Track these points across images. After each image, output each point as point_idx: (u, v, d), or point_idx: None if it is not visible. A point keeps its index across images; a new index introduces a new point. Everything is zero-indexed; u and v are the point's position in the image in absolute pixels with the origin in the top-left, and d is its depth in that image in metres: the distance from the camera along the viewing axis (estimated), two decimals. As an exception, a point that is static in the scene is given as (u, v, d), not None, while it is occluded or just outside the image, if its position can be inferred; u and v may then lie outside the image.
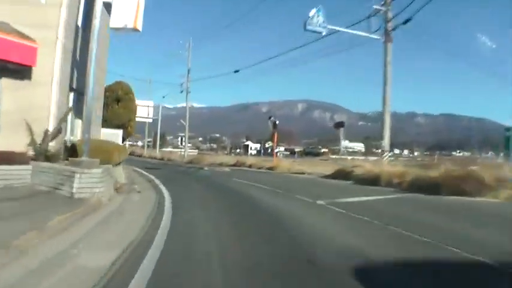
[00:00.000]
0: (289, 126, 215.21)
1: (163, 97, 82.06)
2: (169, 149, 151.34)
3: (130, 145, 75.04)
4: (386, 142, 22.05)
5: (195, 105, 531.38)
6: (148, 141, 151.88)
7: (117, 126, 27.44)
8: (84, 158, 9.23)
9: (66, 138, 12.88)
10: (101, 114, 18.44)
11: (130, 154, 71.06)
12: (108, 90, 26.88)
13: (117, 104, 33.91)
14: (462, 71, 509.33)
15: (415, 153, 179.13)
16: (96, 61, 10.50)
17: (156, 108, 61.74)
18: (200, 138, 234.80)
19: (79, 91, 13.28)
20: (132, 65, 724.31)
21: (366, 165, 19.69)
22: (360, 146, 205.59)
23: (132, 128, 33.93)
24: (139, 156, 64.51)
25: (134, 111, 38.89)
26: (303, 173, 24.61)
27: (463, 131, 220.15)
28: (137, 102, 51.92)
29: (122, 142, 35.66)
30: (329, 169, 23.49)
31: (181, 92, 53.04)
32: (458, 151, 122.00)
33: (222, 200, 11.15)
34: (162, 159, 51.75)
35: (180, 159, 47.20)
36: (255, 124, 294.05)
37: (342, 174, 20.12)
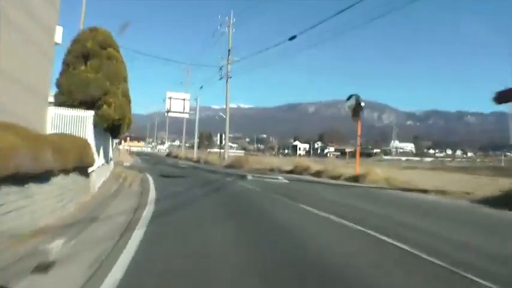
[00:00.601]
0: (336, 127, 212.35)
1: (201, 87, 68.19)
2: (215, 149, 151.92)
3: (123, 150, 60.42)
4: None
5: (242, 105, 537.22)
6: (192, 142, 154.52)
7: (84, 105, 11.91)
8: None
9: None
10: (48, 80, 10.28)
11: (167, 156, 70.51)
12: (75, 43, 11.11)
13: (85, 64, 14.42)
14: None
15: (468, 154, 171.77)
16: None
17: (192, 106, 53.77)
18: (247, 139, 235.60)
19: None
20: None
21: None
22: (409, 146, 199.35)
23: (129, 122, 16.63)
24: (175, 157, 61.17)
25: (119, 78, 15.19)
26: (424, 191, 15.19)
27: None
28: (170, 93, 47.10)
29: (114, 141, 26.90)
30: (445, 181, 16.92)
31: (221, 78, 42.05)
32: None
33: None
34: (197, 161, 45.47)
35: (218, 162, 39.66)
36: (302, 124, 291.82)
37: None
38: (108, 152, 17.48)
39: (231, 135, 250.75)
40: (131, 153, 67.75)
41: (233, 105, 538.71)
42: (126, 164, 29.93)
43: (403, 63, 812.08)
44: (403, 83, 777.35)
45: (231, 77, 41.29)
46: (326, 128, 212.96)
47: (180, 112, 47.80)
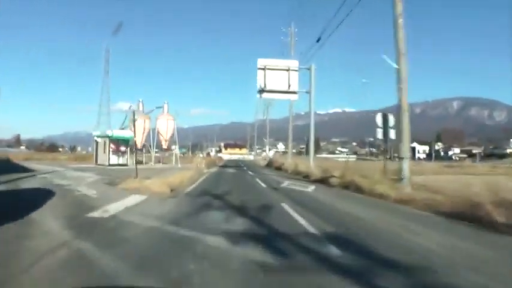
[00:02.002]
0: (444, 127, 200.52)
1: (318, 40, 47.35)
2: (323, 155, 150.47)
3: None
4: None
5: (347, 110, 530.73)
6: (301, 148, 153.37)
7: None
8: None
9: None
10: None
11: (267, 165, 48.53)
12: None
13: None
14: None
15: None
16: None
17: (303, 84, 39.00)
18: (354, 143, 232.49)
19: None
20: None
21: None
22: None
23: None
24: (278, 168, 38.26)
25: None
26: None
27: None
28: (264, 61, 26.87)
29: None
30: None
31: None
32: None
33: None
34: (323, 180, 22.46)
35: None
36: (410, 125, 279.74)
37: None
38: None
39: (337, 139, 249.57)
40: (219, 161, 70.09)
41: (338, 110, 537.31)
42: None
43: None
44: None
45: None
46: (434, 128, 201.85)
47: (283, 92, 27.15)
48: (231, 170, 35.94)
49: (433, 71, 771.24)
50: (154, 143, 46.58)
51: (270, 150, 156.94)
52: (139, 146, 41.44)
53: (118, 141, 36.52)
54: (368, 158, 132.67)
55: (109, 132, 37.44)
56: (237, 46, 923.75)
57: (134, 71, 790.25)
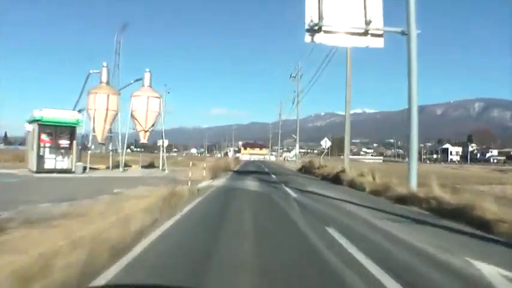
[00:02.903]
0: (464, 128, 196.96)
1: None
2: (349, 156, 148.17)
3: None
4: None
5: (367, 110, 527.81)
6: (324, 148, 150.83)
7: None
8: None
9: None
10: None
11: (300, 170, 38.70)
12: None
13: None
14: None
15: None
16: None
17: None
18: (375, 144, 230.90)
19: None
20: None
21: None
22: None
23: None
24: (311, 172, 33.05)
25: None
26: None
27: None
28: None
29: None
30: None
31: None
32: None
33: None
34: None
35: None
36: (430, 127, 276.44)
37: None
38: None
39: (358, 140, 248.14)
40: (236, 162, 55.11)
41: (358, 111, 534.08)
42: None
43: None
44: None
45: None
46: (456, 130, 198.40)
47: (355, 33, 16.05)
48: (251, 183, 20.65)
49: (454, 72, 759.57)
50: (126, 135, 30.52)
51: (288, 151, 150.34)
52: (100, 138, 28.31)
53: (55, 129, 22.49)
54: (395, 159, 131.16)
55: (37, 113, 22.27)
56: (251, 45, 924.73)
57: (153, 69, 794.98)
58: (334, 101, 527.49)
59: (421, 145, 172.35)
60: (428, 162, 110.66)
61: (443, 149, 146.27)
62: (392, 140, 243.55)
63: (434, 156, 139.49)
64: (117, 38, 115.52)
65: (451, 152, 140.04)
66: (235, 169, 39.43)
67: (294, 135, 49.01)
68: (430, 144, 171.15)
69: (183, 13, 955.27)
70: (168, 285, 3.99)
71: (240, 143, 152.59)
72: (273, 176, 28.99)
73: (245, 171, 36.51)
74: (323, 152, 45.63)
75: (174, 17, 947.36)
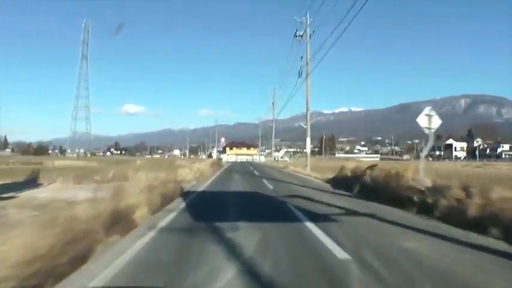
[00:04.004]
0: (452, 125, 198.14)
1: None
2: (341, 155, 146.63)
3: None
4: None
5: (353, 109, 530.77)
6: (315, 147, 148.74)
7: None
8: None
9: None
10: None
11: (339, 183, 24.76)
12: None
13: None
14: None
15: None
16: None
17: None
18: (362, 142, 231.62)
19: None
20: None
21: None
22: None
23: None
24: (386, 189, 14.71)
25: None
26: None
27: None
28: None
29: None
30: None
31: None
32: None
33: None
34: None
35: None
36: (416, 124, 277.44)
37: None
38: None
39: (345, 139, 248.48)
40: (215, 167, 35.32)
41: (344, 109, 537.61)
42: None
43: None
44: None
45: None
46: (441, 126, 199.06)
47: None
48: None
49: (440, 69, 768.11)
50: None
51: (277, 151, 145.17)
52: None
53: None
54: (394, 157, 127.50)
55: None
56: (241, 45, 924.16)
57: (141, 72, 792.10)
58: (320, 100, 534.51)
59: (416, 141, 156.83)
60: (430, 159, 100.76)
61: (446, 144, 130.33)
62: (379, 138, 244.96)
63: (437, 152, 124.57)
64: (85, 23, 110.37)
65: (455, 148, 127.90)
66: (210, 181, 21.49)
67: (302, 124, 37.28)
68: (417, 141, 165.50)
69: (180, 14, 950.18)
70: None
71: (223, 139, 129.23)
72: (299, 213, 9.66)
73: (223, 192, 16.16)
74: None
75: (165, 18, 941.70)
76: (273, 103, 66.57)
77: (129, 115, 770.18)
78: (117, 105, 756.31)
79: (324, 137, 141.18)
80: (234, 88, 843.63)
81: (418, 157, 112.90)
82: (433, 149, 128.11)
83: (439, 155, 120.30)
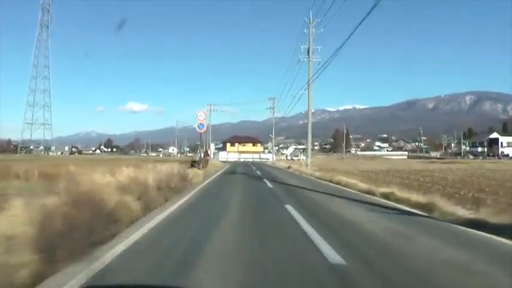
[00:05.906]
0: (457, 121, 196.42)
1: None
2: (359, 152, 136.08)
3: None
4: None
5: (358, 106, 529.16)
6: (325, 145, 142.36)
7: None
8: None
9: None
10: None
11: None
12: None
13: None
14: None
15: None
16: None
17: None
18: (368, 140, 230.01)
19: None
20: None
21: None
22: None
23: None
24: None
25: None
26: None
27: None
28: None
29: None
30: None
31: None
32: None
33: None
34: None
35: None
36: (423, 121, 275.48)
37: None
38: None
39: (351, 136, 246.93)
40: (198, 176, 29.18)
41: (349, 107, 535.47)
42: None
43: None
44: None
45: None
46: (448, 123, 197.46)
47: None
48: None
49: (445, 66, 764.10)
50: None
51: (284, 149, 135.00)
52: None
53: None
54: (422, 155, 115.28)
55: None
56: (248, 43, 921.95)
57: (145, 70, 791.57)
58: (325, 97, 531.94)
59: (443, 135, 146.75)
60: (471, 157, 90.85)
61: (491, 139, 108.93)
62: (385, 135, 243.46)
63: (479, 149, 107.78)
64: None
65: (501, 144, 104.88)
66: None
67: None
68: (445, 136, 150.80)
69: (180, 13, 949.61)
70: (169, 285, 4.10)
71: (201, 113, 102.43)
72: None
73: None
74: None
75: (167, 18, 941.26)
76: (272, 107, 65.83)
77: (133, 113, 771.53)
78: (121, 103, 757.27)
79: (344, 131, 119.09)
80: (236, 85, 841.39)
81: (448, 154, 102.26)
82: (474, 144, 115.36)
83: (482, 152, 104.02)
